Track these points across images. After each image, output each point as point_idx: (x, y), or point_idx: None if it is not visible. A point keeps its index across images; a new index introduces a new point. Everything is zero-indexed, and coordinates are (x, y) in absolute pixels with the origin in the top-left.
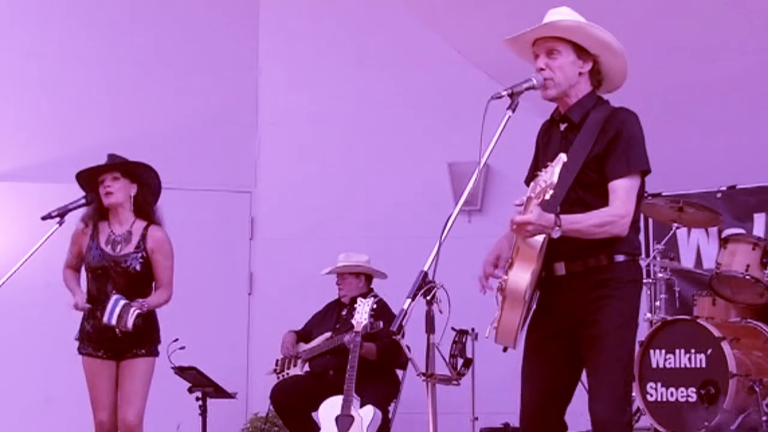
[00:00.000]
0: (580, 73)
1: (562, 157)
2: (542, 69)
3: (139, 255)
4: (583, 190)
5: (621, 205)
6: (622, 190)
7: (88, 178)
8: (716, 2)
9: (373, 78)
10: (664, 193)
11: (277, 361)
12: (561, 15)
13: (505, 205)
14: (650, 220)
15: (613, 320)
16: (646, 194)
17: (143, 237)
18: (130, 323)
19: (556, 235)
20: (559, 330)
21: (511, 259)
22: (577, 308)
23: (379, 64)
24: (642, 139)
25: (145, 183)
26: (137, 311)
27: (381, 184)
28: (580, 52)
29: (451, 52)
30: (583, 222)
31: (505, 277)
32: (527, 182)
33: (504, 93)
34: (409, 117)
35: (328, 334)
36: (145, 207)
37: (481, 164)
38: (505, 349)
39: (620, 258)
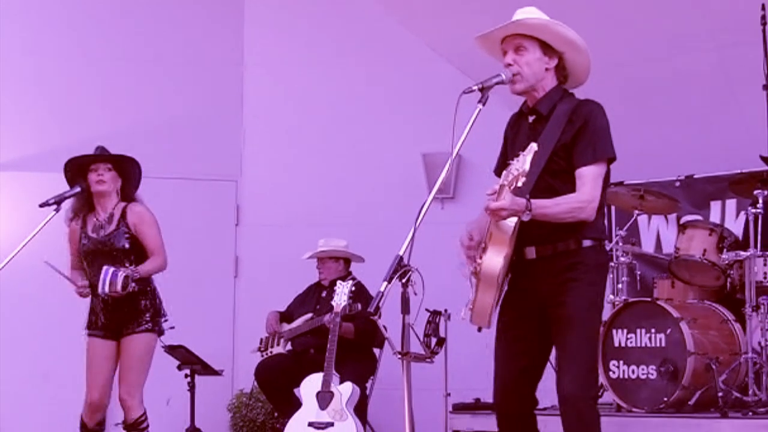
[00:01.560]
0: (546, 69)
1: (533, 146)
2: (510, 65)
3: (124, 232)
4: (552, 177)
5: (588, 191)
6: (589, 177)
7: (80, 166)
8: (674, 1)
9: (351, 74)
10: (626, 182)
11: (261, 339)
12: (528, 14)
13: (476, 193)
14: (613, 208)
15: (580, 302)
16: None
17: (123, 215)
18: (119, 286)
19: (526, 218)
20: (530, 311)
21: (484, 244)
22: (547, 290)
23: (357, 61)
24: (608, 129)
25: (129, 176)
26: (125, 274)
27: (359, 173)
28: (546, 49)
29: (425, 49)
30: (551, 207)
31: (480, 261)
32: (496, 172)
33: (475, 87)
34: (386, 110)
35: (309, 315)
36: (128, 192)
37: (454, 154)
38: (479, 329)
39: (588, 243)
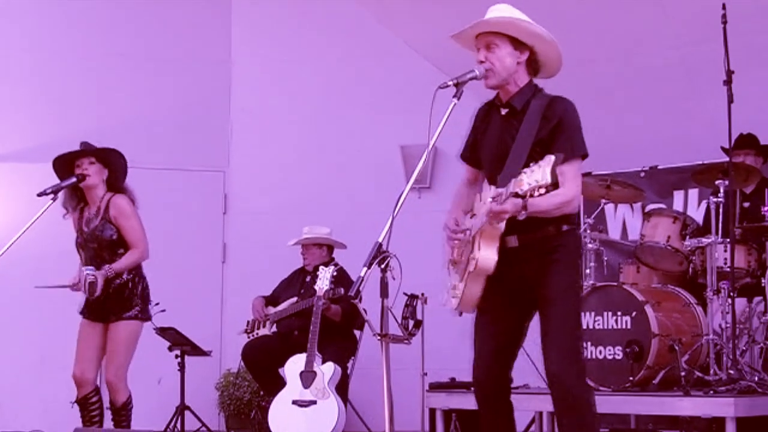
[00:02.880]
0: (518, 63)
1: (552, 158)
2: (482, 61)
3: (109, 224)
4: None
5: (572, 187)
6: (571, 173)
7: (66, 163)
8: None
9: (334, 70)
10: (593, 173)
11: (248, 322)
12: (499, 11)
13: (451, 182)
14: (581, 197)
15: (562, 282)
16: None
17: (106, 207)
18: (85, 290)
19: (522, 217)
20: (509, 294)
21: (473, 239)
22: (531, 274)
23: (339, 58)
24: (580, 126)
25: (115, 166)
26: (90, 278)
27: (341, 164)
28: (516, 43)
29: (403, 47)
30: (542, 205)
31: (474, 257)
32: (464, 157)
33: (450, 83)
34: (366, 105)
35: (294, 299)
36: (115, 183)
37: (430, 146)
38: (460, 313)
39: (566, 227)
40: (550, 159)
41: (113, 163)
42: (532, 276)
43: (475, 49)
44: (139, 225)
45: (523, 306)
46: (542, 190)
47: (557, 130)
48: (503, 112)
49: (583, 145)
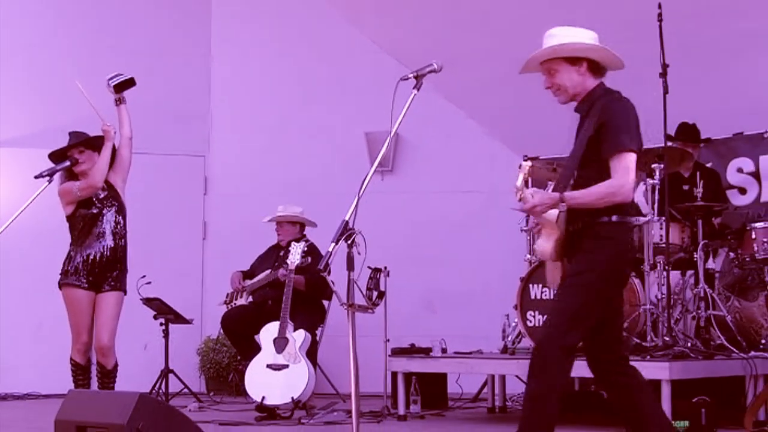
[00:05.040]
0: (580, 74)
1: (524, 165)
2: (549, 87)
3: (110, 199)
4: (582, 168)
5: (617, 177)
6: (618, 166)
7: (60, 156)
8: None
9: (305, 64)
10: (540, 157)
11: (227, 294)
12: (551, 37)
13: (411, 166)
14: (529, 180)
15: (578, 267)
16: (525, 157)
17: (108, 185)
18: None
19: (562, 209)
20: None
21: (539, 227)
22: (570, 258)
23: (311, 53)
24: (625, 122)
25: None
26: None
27: (311, 149)
28: (571, 60)
29: (368, 43)
30: (583, 197)
31: (535, 246)
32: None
33: (410, 75)
34: (334, 95)
35: (268, 271)
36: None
37: (392, 133)
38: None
39: (605, 219)
40: (523, 166)
41: (98, 146)
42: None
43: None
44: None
45: None
46: (518, 194)
47: (602, 128)
48: (578, 118)
49: (625, 140)
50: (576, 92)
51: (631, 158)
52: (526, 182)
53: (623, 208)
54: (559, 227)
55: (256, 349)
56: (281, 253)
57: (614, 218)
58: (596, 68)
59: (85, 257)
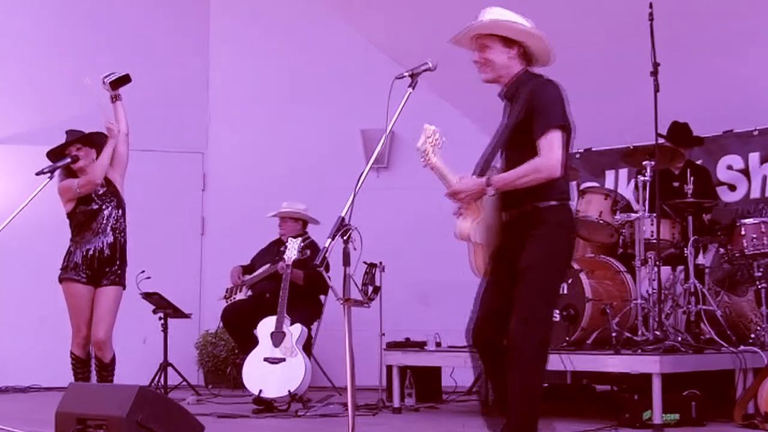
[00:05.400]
0: (509, 57)
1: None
2: (477, 61)
3: (108, 195)
4: (516, 151)
5: (543, 154)
6: (543, 144)
7: (57, 152)
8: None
9: (302, 62)
10: None
11: (226, 289)
12: (490, 14)
13: (406, 163)
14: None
15: (536, 256)
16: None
17: (107, 181)
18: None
19: (490, 193)
20: (504, 263)
21: (461, 212)
22: (514, 246)
23: (307, 51)
24: (554, 100)
25: (100, 145)
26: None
27: (307, 146)
28: (506, 41)
29: (364, 42)
30: (509, 176)
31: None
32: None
33: (405, 74)
34: (330, 93)
35: (267, 265)
36: None
37: (388, 130)
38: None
39: (548, 203)
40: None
41: (98, 143)
42: (514, 249)
43: (473, 50)
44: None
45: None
46: (424, 159)
47: (532, 113)
48: (504, 103)
49: (552, 119)
50: (501, 74)
51: (556, 135)
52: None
53: (562, 191)
54: (478, 210)
55: (255, 343)
56: (282, 249)
57: (554, 202)
58: (526, 56)
59: (84, 252)
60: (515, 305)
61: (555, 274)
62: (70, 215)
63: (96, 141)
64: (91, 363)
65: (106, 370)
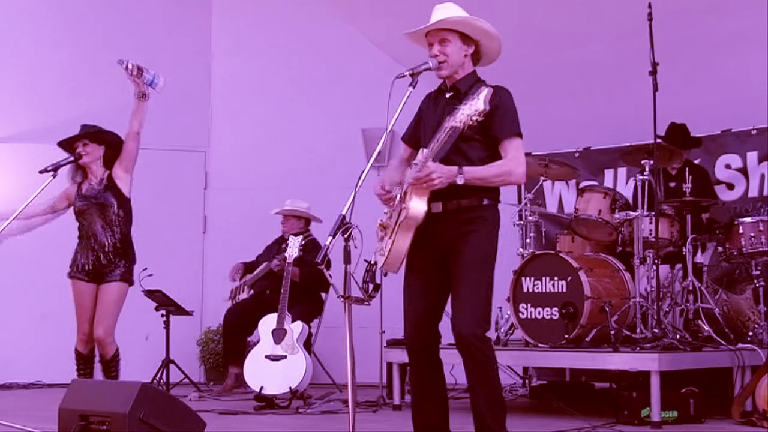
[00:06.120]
0: (465, 55)
1: (484, 89)
2: (437, 55)
3: (111, 193)
4: (463, 143)
5: (514, 158)
6: (512, 147)
7: (67, 145)
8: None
9: (303, 61)
10: (533, 153)
11: (231, 290)
12: (446, 9)
13: None
14: (523, 172)
15: (476, 252)
16: None
17: (109, 179)
18: (160, 83)
19: (461, 181)
20: (434, 256)
21: (403, 195)
22: (449, 239)
23: (308, 50)
24: (516, 111)
25: (110, 143)
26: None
27: (309, 145)
28: (465, 39)
29: (365, 41)
30: (482, 171)
31: (406, 206)
32: (405, 140)
33: (406, 73)
34: (331, 92)
35: (264, 264)
36: (113, 161)
37: (388, 129)
38: (386, 274)
39: (486, 201)
40: (482, 90)
41: (107, 141)
42: (450, 242)
43: (425, 45)
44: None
45: (447, 267)
46: (478, 118)
47: (496, 113)
48: (448, 95)
49: (518, 126)
50: (455, 71)
51: (521, 143)
52: None
53: (497, 191)
54: (429, 192)
55: (243, 352)
56: (284, 246)
57: (490, 201)
58: (476, 54)
59: (86, 250)
60: (461, 302)
61: (491, 271)
62: (76, 215)
63: (106, 139)
64: (94, 360)
65: (108, 366)
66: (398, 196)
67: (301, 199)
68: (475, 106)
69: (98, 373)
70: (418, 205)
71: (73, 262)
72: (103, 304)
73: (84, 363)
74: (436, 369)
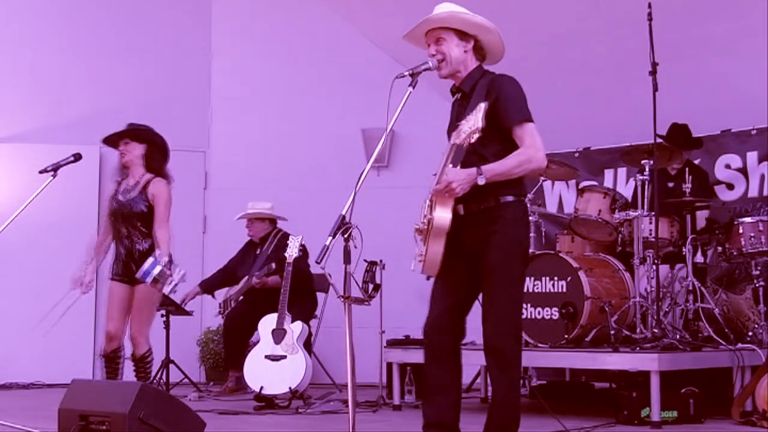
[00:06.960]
0: (465, 51)
1: (482, 105)
2: (434, 54)
3: (143, 199)
4: (477, 141)
5: (531, 144)
6: (526, 132)
7: (112, 142)
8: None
9: (303, 62)
10: None
11: (220, 304)
12: (442, 9)
13: (407, 162)
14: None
15: (500, 253)
16: None
17: (146, 185)
18: (167, 289)
19: (482, 182)
20: (460, 258)
21: (431, 203)
22: (473, 241)
23: (308, 50)
24: (523, 96)
25: (151, 141)
26: (174, 282)
27: (309, 145)
28: (461, 35)
29: (364, 41)
30: (500, 166)
31: (430, 217)
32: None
33: (406, 73)
34: (331, 92)
35: (245, 279)
36: (154, 163)
37: (388, 130)
38: (428, 277)
39: (508, 199)
40: (481, 106)
41: (148, 139)
42: (474, 244)
43: (426, 46)
44: (168, 209)
45: (472, 269)
46: (477, 135)
47: (497, 101)
48: (457, 96)
49: (527, 110)
50: (457, 69)
51: (533, 126)
52: None
53: (520, 186)
54: (453, 199)
55: (243, 356)
56: (258, 251)
57: (511, 198)
58: (479, 52)
59: (118, 251)
60: (488, 305)
61: (520, 270)
62: (107, 213)
63: (143, 136)
64: (118, 360)
65: (137, 365)
66: (426, 204)
67: (262, 200)
68: (474, 123)
69: (129, 373)
70: (442, 214)
71: (113, 260)
72: (135, 304)
73: (107, 363)
74: (451, 369)
